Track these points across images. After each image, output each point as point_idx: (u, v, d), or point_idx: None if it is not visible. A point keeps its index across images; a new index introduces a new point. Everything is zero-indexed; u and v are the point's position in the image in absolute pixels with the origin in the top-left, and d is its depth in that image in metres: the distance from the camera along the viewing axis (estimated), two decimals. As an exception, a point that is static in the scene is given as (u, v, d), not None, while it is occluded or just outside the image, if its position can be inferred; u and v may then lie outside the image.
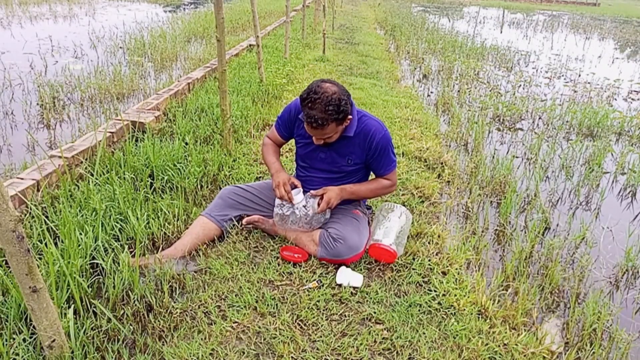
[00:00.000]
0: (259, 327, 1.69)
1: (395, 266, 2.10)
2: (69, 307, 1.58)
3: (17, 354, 1.44)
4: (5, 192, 1.13)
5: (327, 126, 1.88)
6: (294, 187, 2.13)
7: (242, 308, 1.78)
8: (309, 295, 1.87)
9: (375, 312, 1.80)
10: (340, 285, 1.94)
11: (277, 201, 2.09)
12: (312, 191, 2.09)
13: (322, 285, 1.93)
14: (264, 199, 2.27)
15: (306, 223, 2.08)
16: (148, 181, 2.52)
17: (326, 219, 2.12)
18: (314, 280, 1.95)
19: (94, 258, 1.87)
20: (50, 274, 1.59)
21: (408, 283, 2.00)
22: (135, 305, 1.71)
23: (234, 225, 2.24)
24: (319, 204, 2.06)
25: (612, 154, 4.02)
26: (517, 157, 3.84)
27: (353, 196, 2.12)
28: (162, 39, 7.57)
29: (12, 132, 3.71)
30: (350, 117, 1.97)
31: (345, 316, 1.78)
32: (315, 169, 2.17)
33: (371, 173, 2.25)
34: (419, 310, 1.84)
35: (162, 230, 2.18)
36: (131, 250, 2.04)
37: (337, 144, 2.06)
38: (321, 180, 2.16)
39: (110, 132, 3.00)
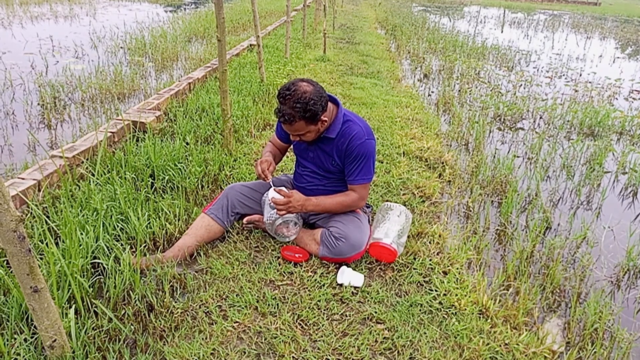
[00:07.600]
0: (260, 327, 1.69)
1: (396, 266, 2.10)
2: (70, 307, 1.58)
3: (19, 354, 1.44)
4: (7, 192, 1.13)
5: (295, 123, 1.89)
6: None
7: (243, 308, 1.78)
8: (310, 295, 1.87)
9: (376, 312, 1.80)
10: (341, 285, 1.94)
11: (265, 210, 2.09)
12: (279, 193, 2.03)
13: (323, 285, 1.93)
14: None
15: (272, 230, 2.07)
16: (149, 181, 2.52)
17: (297, 231, 2.09)
18: (315, 280, 1.95)
19: (95, 258, 1.87)
20: (51, 274, 1.59)
21: (409, 283, 2.00)
22: (137, 305, 1.71)
23: (234, 225, 2.24)
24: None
25: (613, 154, 4.02)
26: (518, 156, 3.83)
27: (318, 208, 2.06)
28: (162, 39, 7.57)
29: (13, 132, 3.71)
30: (324, 119, 1.95)
31: (346, 316, 1.78)
32: (306, 168, 2.20)
33: None
34: (420, 310, 1.84)
35: (163, 230, 2.18)
36: (132, 250, 2.04)
37: (321, 143, 2.08)
38: (311, 178, 2.18)
39: (111, 132, 3.00)
